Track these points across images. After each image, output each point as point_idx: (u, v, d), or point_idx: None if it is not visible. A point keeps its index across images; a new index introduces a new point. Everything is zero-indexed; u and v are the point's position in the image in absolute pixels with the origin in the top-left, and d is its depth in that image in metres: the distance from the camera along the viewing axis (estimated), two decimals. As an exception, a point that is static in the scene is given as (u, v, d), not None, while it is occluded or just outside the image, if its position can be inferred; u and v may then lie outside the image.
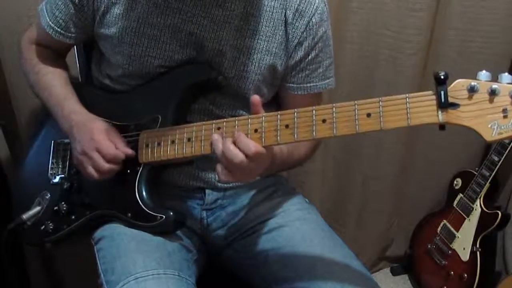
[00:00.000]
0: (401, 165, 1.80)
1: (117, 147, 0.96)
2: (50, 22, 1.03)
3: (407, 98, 0.76)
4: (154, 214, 0.97)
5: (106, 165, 0.95)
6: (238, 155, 0.83)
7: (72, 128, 1.00)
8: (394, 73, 1.61)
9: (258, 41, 1.00)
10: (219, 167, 0.86)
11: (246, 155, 0.83)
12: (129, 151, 0.97)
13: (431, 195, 1.88)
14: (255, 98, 0.87)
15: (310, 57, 1.04)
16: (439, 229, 1.74)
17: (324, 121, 0.82)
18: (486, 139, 0.72)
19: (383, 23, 1.56)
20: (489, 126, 0.72)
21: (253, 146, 0.83)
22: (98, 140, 0.95)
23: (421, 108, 0.75)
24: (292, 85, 1.07)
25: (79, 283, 1.46)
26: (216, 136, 0.87)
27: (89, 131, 0.97)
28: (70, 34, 1.05)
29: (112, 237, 0.99)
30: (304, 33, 1.01)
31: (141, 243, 0.95)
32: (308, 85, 1.07)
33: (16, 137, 1.44)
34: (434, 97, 0.75)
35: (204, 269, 1.11)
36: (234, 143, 0.84)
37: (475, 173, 1.62)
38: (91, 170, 0.96)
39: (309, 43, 1.02)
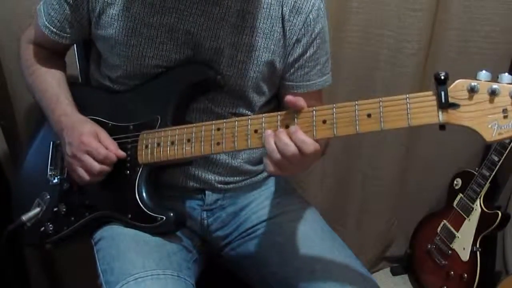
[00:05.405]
0: (401, 165, 1.80)
1: (108, 149, 0.96)
2: (46, 22, 1.03)
3: (408, 99, 0.76)
4: (154, 215, 0.96)
5: (97, 166, 0.95)
6: (290, 147, 0.80)
7: (62, 131, 1.00)
8: (394, 73, 1.61)
9: (256, 38, 0.99)
10: (267, 162, 0.83)
11: (300, 150, 0.80)
12: (120, 153, 0.97)
13: (431, 195, 1.87)
14: (291, 98, 0.83)
15: (308, 54, 1.04)
16: (439, 229, 1.74)
17: (324, 121, 0.81)
18: (486, 139, 0.72)
19: (383, 23, 1.56)
20: (490, 126, 0.72)
21: (311, 143, 0.81)
22: (88, 143, 0.95)
23: (422, 108, 0.75)
24: (291, 83, 1.07)
25: (79, 283, 1.46)
26: (269, 131, 0.84)
27: (78, 134, 0.97)
28: (65, 35, 1.04)
29: (112, 238, 0.99)
30: (302, 30, 1.01)
31: (141, 244, 0.95)
32: (308, 83, 1.07)
33: (16, 137, 1.44)
34: (434, 97, 0.75)
35: (204, 270, 1.11)
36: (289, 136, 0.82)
37: (475, 173, 1.62)
38: (81, 172, 0.96)
39: (307, 40, 1.02)
